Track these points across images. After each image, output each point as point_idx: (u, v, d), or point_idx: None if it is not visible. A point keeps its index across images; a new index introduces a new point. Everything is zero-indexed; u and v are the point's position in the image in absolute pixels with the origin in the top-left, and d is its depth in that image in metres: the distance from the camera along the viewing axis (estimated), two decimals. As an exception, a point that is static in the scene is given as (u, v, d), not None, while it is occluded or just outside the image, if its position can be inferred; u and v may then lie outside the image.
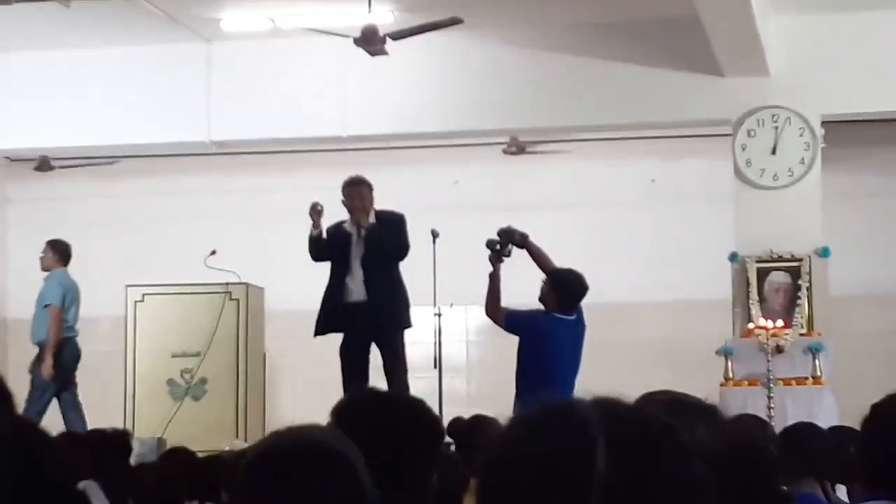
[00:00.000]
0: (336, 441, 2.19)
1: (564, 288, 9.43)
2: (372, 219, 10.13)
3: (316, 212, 10.22)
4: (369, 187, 10.19)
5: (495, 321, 9.64)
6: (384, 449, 2.70)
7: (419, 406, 3.00)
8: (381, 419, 2.85)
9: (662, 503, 1.46)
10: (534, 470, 1.48)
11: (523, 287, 11.99)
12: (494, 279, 9.69)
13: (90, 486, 3.30)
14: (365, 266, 10.05)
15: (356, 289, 10.07)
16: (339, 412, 2.96)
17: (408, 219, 10.28)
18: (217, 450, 9.97)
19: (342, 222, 10.25)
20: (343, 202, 10.19)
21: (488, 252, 9.71)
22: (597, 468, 1.45)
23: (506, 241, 9.71)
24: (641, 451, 1.48)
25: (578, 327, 9.43)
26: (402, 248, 10.11)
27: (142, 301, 12.60)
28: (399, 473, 2.76)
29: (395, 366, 10.04)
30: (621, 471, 1.45)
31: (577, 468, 1.46)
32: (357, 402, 3.08)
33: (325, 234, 10.21)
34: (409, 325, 10.26)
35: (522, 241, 9.75)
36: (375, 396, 3.21)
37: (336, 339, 10.43)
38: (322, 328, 10.28)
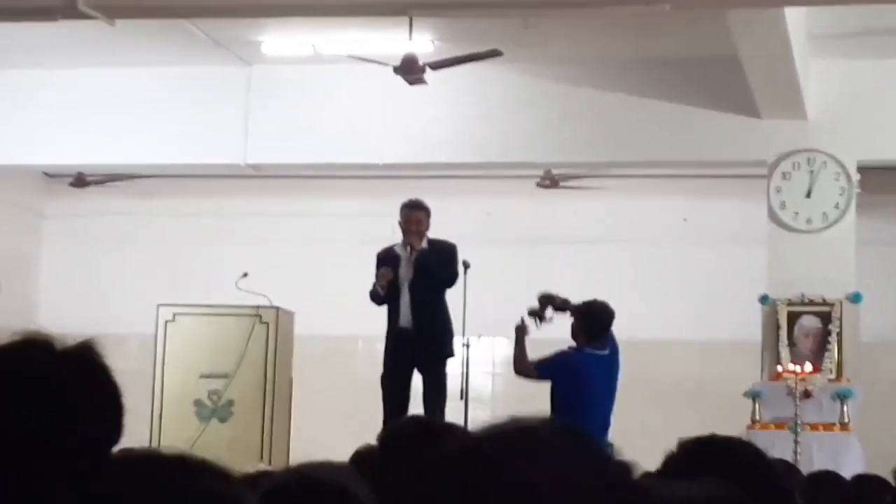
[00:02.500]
0: (349, 482, 2.19)
1: (590, 318, 9.44)
2: (424, 244, 10.16)
3: (386, 278, 10.13)
4: (427, 212, 10.24)
5: (527, 377, 9.58)
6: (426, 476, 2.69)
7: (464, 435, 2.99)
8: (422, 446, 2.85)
9: None
10: None
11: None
12: (521, 338, 9.60)
13: None
14: (413, 291, 10.08)
15: (404, 315, 10.10)
16: (385, 440, 2.96)
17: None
18: (241, 472, 9.97)
19: (394, 245, 10.29)
20: (399, 223, 10.24)
21: (527, 318, 9.61)
22: None
23: (545, 305, 9.65)
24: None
25: (612, 362, 9.39)
26: (451, 277, 10.14)
27: (172, 321, 12.63)
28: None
29: (436, 396, 10.03)
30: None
31: None
32: (404, 430, 3.08)
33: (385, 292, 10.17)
34: (451, 355, 10.28)
35: (564, 305, 9.69)
36: (423, 425, 3.20)
37: (361, 365, 10.44)
38: (385, 361, 10.28)
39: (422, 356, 10.05)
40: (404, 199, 10.59)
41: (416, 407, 10.05)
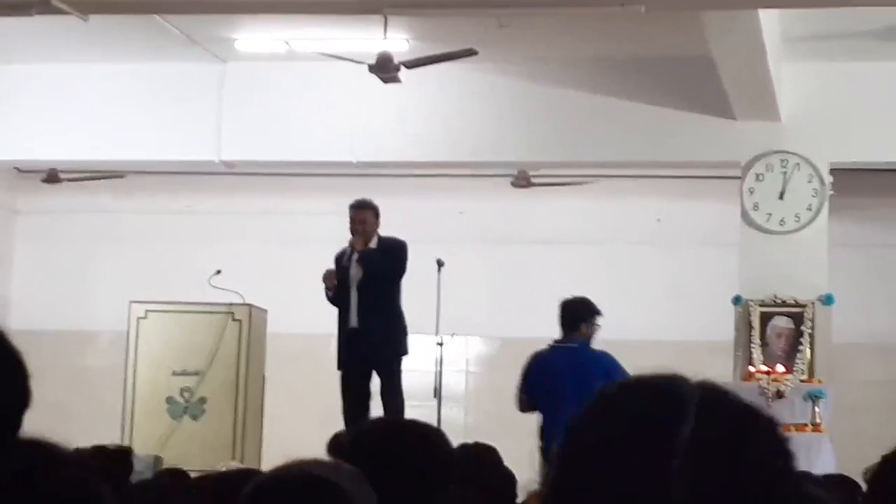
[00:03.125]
0: (341, 478, 2.18)
1: (560, 312, 9.51)
2: (373, 244, 10.13)
3: (330, 277, 10.14)
4: (374, 211, 10.19)
5: (528, 408, 9.42)
6: (398, 476, 2.69)
7: (434, 434, 2.99)
8: (396, 447, 2.84)
9: (743, 481, 1.44)
10: (618, 428, 1.47)
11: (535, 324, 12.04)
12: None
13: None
14: (360, 291, 10.06)
15: (352, 314, 10.09)
16: (354, 440, 2.95)
17: (413, 247, 10.27)
18: (212, 470, 9.95)
19: (344, 249, 10.27)
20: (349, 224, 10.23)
21: None
22: (682, 435, 1.44)
23: None
24: (730, 427, 1.46)
25: (581, 355, 9.32)
26: (391, 268, 10.05)
27: (145, 318, 12.60)
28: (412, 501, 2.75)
29: (391, 393, 10.03)
30: (707, 443, 1.44)
31: (662, 431, 1.45)
32: (372, 431, 3.07)
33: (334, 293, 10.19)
34: (404, 353, 10.21)
35: None
36: (390, 424, 3.20)
37: (332, 363, 10.43)
38: (339, 360, 10.27)
39: (372, 355, 10.02)
40: (378, 196, 10.58)
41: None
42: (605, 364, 9.25)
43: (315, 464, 2.24)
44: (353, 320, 10.08)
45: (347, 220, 10.33)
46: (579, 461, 1.47)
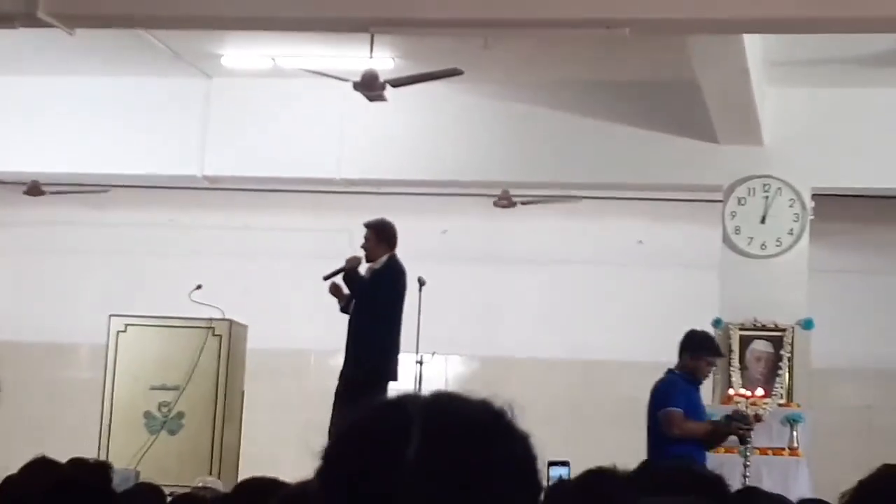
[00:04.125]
0: None
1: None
2: (379, 265, 10.23)
3: (336, 293, 10.27)
4: (377, 232, 10.28)
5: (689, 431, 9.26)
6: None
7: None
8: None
9: (475, 484, 1.46)
10: (353, 448, 1.50)
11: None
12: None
13: None
14: (351, 312, 10.18)
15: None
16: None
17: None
18: (189, 485, 9.93)
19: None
20: None
21: (731, 425, 9.29)
22: (409, 451, 1.45)
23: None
24: (455, 434, 1.48)
25: (657, 384, 9.30)
26: (361, 296, 10.15)
27: (124, 331, 12.56)
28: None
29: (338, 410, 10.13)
30: (433, 452, 1.45)
31: (390, 448, 1.46)
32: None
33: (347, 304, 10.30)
34: (382, 378, 10.21)
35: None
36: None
37: (313, 380, 10.47)
38: None
39: (349, 375, 10.12)
40: (361, 214, 10.65)
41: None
42: (653, 394, 9.27)
43: None
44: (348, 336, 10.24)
45: (331, 236, 10.48)
46: (331, 490, 1.51)
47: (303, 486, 2.21)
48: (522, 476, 1.49)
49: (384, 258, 10.22)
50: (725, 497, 2.79)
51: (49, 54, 12.22)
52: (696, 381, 9.25)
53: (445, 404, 1.52)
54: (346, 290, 10.27)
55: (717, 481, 2.81)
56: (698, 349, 9.25)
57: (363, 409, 1.55)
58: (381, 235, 10.26)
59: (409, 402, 1.51)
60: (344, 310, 10.34)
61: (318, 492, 1.50)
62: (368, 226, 10.35)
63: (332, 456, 1.51)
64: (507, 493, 1.46)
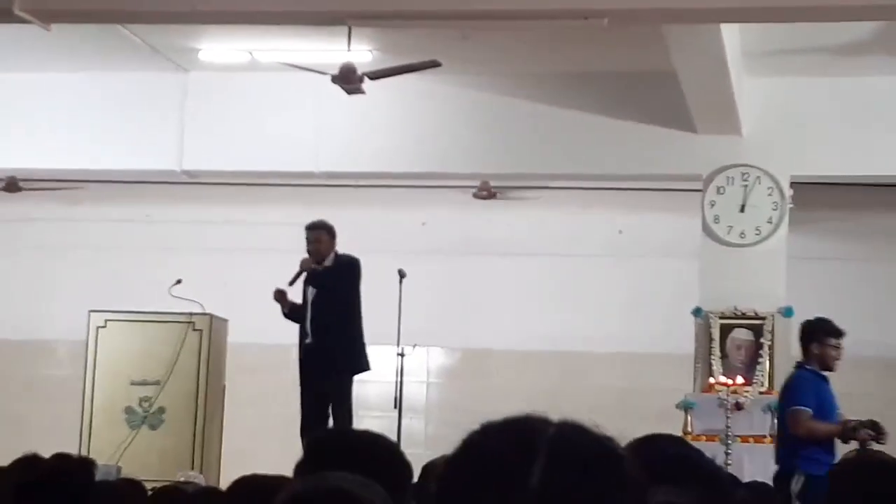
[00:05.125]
0: (363, 490, 2.18)
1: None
2: (329, 262, 10.37)
3: (280, 298, 10.51)
4: (327, 230, 10.50)
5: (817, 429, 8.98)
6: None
7: (389, 447, 2.99)
8: (350, 460, 2.84)
9: None
10: (473, 472, 1.49)
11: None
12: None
13: None
14: (314, 307, 10.26)
15: (308, 330, 10.34)
16: (307, 450, 2.95)
17: (374, 257, 10.46)
18: (171, 480, 9.91)
19: (304, 269, 10.51)
20: None
21: (859, 433, 8.92)
22: (532, 479, 1.45)
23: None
24: (579, 470, 1.48)
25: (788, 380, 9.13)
26: (337, 290, 10.33)
27: (104, 327, 12.53)
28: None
29: (338, 410, 10.22)
30: (555, 484, 1.46)
31: (513, 473, 1.46)
32: (324, 442, 3.06)
33: (290, 309, 10.52)
34: (361, 370, 10.38)
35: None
36: (345, 436, 3.19)
37: (294, 374, 10.47)
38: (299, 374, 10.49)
39: (323, 370, 10.22)
40: (341, 207, 10.68)
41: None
42: (783, 391, 9.11)
43: (345, 479, 2.24)
44: (308, 337, 10.34)
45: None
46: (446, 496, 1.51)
47: (305, 488, 2.20)
48: None
49: (332, 254, 10.36)
50: (724, 490, 2.78)
51: (25, 51, 12.17)
52: (827, 369, 9.08)
53: (572, 435, 1.52)
54: (289, 297, 10.40)
55: (716, 471, 2.79)
56: (823, 335, 9.07)
57: (491, 426, 1.54)
58: (332, 234, 10.49)
59: (537, 427, 1.51)
60: (288, 315, 10.54)
61: (439, 496, 1.50)
62: (320, 226, 10.54)
63: (457, 472, 1.51)
64: None
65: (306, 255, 10.48)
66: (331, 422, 10.10)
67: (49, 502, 3.73)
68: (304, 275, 10.47)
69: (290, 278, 10.46)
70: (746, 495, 5.25)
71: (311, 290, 10.39)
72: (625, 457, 1.53)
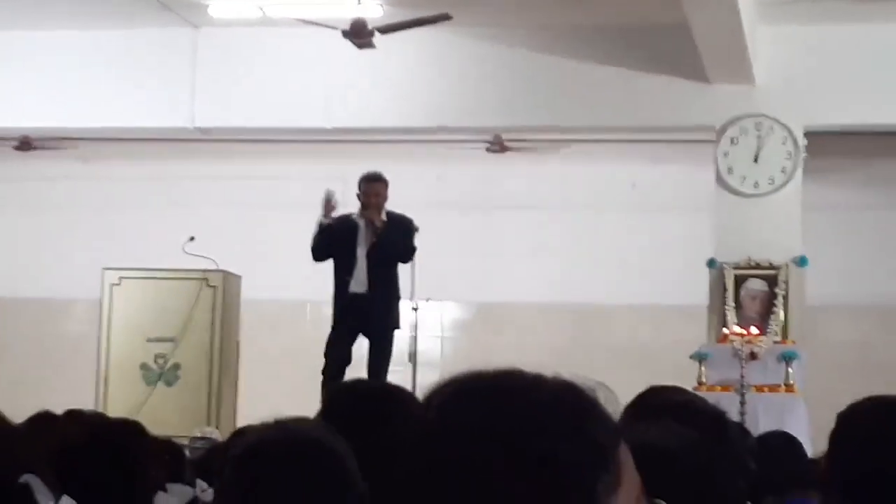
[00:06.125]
0: (325, 435, 2.18)
1: None
2: (384, 216, 10.29)
3: (329, 204, 10.26)
4: (385, 184, 10.41)
5: None
6: (375, 441, 2.69)
7: (411, 399, 3.00)
8: (373, 410, 2.84)
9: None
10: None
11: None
12: None
13: (32, 480, 3.27)
14: (370, 260, 10.18)
15: (359, 279, 10.22)
16: (330, 400, 2.95)
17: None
18: (188, 435, 9.96)
19: (350, 214, 10.36)
20: (358, 196, 10.34)
21: None
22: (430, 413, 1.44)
23: None
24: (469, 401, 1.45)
25: None
26: (411, 252, 10.36)
27: (118, 284, 12.56)
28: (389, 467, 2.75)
29: (382, 364, 10.16)
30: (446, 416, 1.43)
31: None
32: (350, 392, 3.07)
33: (328, 225, 10.31)
34: (399, 327, 10.43)
35: None
36: (369, 388, 3.20)
37: (309, 329, 10.49)
38: (334, 319, 10.41)
39: (373, 323, 10.17)
40: (353, 163, 10.63)
41: (355, 370, 10.12)
42: None
43: (301, 423, 2.24)
44: (360, 287, 10.20)
45: (324, 184, 10.47)
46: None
47: (262, 437, 2.19)
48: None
49: (384, 210, 10.32)
50: (726, 432, 2.80)
51: (36, 9, 12.14)
52: None
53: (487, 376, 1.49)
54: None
55: (719, 416, 2.81)
56: None
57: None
58: (387, 187, 10.36)
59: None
60: (322, 230, 10.27)
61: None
62: (381, 178, 10.36)
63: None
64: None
65: (364, 211, 10.25)
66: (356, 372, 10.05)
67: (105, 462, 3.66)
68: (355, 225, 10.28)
69: (326, 210, 10.27)
70: (754, 443, 5.23)
71: (364, 241, 10.23)
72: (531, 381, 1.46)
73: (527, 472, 1.33)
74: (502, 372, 1.45)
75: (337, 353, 10.21)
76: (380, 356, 10.18)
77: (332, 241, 10.27)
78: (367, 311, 10.15)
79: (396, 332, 10.55)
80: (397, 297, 10.42)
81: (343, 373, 10.04)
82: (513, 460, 1.34)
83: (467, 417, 1.38)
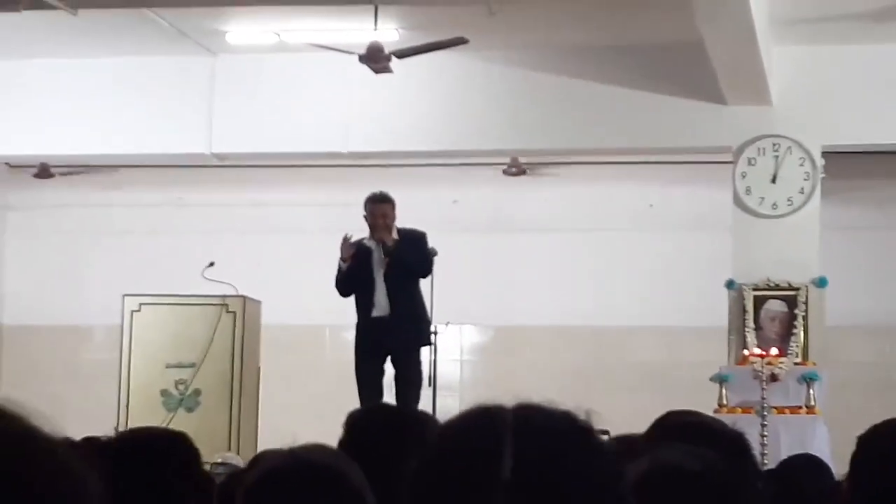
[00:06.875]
0: (339, 463, 2.19)
1: None
2: (395, 235, 10.21)
3: (347, 244, 10.19)
4: (392, 204, 10.29)
5: None
6: (392, 464, 2.70)
7: (430, 423, 2.99)
8: (391, 434, 2.85)
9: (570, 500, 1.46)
10: (445, 476, 1.49)
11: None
12: None
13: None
14: (388, 282, 10.09)
15: (380, 304, 10.12)
16: (350, 424, 2.96)
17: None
18: (209, 461, 9.96)
19: (363, 239, 10.29)
20: (365, 218, 10.26)
21: None
22: (503, 467, 1.45)
23: None
24: (547, 450, 1.48)
25: None
26: (427, 265, 10.22)
27: (138, 311, 12.59)
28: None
29: (411, 388, 10.05)
30: (527, 471, 1.45)
31: (484, 467, 1.46)
32: (370, 416, 3.07)
33: (348, 267, 10.20)
34: (427, 344, 10.34)
35: None
36: (389, 411, 3.20)
37: (329, 354, 10.47)
38: (358, 347, 10.28)
39: (396, 345, 10.09)
40: (370, 187, 10.60)
41: (389, 395, 10.07)
42: None
43: (316, 451, 2.24)
44: (381, 311, 10.12)
45: (342, 209, 10.42)
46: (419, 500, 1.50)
47: (280, 464, 2.19)
48: (612, 491, 1.50)
49: (394, 228, 10.27)
50: (746, 454, 2.80)
51: (53, 37, 12.21)
52: None
53: (534, 419, 1.52)
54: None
55: (737, 438, 2.81)
56: None
57: (450, 426, 1.54)
58: (395, 207, 10.31)
59: (497, 417, 1.51)
60: (343, 274, 10.21)
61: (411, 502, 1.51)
62: (387, 199, 10.27)
63: (425, 475, 1.51)
64: None
65: (375, 233, 10.18)
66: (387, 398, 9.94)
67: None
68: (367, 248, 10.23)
69: (345, 254, 10.22)
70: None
71: (379, 264, 10.16)
72: (589, 427, 1.53)
73: None
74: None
75: (370, 383, 10.04)
76: (407, 381, 10.06)
77: (351, 273, 10.21)
78: (391, 334, 10.04)
79: (424, 350, 10.41)
80: (422, 316, 10.28)
81: (380, 398, 9.91)
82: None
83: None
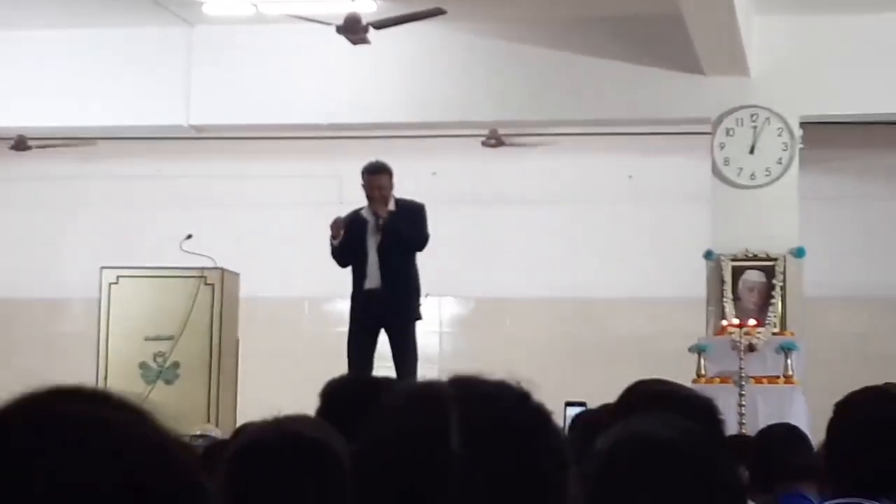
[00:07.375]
0: (322, 433, 2.18)
1: None
2: (392, 206, 10.12)
3: (337, 226, 10.12)
4: (390, 175, 10.19)
5: None
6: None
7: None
8: (366, 403, 2.84)
9: (518, 477, 1.47)
10: (393, 450, 1.50)
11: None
12: None
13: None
14: (381, 254, 10.03)
15: (371, 275, 10.06)
16: (326, 395, 2.96)
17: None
18: (187, 433, 9.95)
19: (359, 209, 10.23)
20: (363, 187, 10.19)
21: None
22: (451, 440, 1.46)
23: None
24: (492, 420, 1.49)
25: None
26: (422, 239, 10.16)
27: (116, 283, 12.55)
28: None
29: (407, 358, 10.01)
30: (475, 440, 1.47)
31: (433, 442, 1.47)
32: (344, 387, 3.07)
33: (340, 242, 10.13)
34: (419, 318, 10.27)
35: None
36: (366, 381, 3.20)
37: (308, 326, 10.46)
38: (351, 318, 10.24)
39: (390, 317, 10.05)
40: (348, 159, 10.56)
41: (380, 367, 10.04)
42: None
43: (300, 422, 2.24)
44: (373, 283, 10.05)
45: (321, 181, 10.37)
46: (377, 486, 1.51)
47: (260, 435, 2.18)
48: (556, 453, 1.50)
49: (392, 199, 10.19)
50: (715, 421, 2.80)
51: (28, 8, 12.13)
52: None
53: (473, 390, 1.53)
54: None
55: (707, 405, 2.81)
56: None
57: (394, 401, 1.54)
58: (392, 176, 10.23)
59: (438, 392, 1.51)
60: (339, 253, 10.17)
61: (361, 486, 1.51)
62: (385, 169, 10.18)
63: (373, 457, 1.51)
64: (549, 471, 1.49)
65: (371, 204, 10.09)
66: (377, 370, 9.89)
67: None
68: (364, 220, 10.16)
69: (334, 233, 10.13)
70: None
71: (373, 235, 10.08)
72: (526, 393, 1.54)
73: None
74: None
75: (358, 354, 10.04)
76: (403, 352, 10.03)
77: (346, 245, 10.15)
78: (382, 307, 9.98)
79: (418, 323, 10.37)
80: (414, 289, 10.20)
81: (369, 369, 9.88)
82: None
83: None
